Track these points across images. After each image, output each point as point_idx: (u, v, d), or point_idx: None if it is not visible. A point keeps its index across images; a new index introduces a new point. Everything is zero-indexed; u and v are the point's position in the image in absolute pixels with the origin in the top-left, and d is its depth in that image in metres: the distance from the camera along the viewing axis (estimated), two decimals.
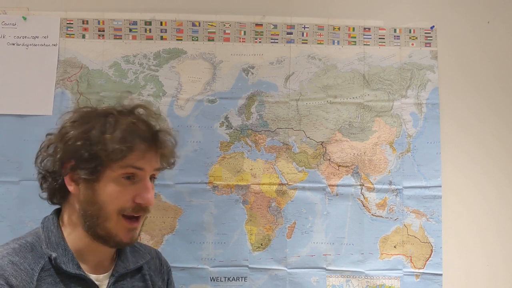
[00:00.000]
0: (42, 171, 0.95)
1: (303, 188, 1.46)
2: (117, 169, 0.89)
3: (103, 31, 1.47)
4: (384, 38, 1.52)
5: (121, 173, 0.90)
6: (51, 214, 0.96)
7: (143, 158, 0.91)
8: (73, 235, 0.92)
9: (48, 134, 0.97)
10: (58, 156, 0.91)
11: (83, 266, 0.91)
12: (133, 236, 0.93)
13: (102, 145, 0.88)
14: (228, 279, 1.42)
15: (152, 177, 0.96)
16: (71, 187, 0.91)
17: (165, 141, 0.96)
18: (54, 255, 0.88)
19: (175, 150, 1.00)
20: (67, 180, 0.91)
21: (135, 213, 0.91)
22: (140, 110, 0.97)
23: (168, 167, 1.01)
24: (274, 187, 1.45)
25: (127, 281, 0.98)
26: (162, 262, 1.12)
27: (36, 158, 0.96)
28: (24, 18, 1.46)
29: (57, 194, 0.95)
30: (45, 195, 0.97)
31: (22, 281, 0.84)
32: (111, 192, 0.89)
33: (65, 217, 0.94)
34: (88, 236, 0.91)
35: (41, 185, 0.96)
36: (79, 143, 0.89)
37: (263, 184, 1.45)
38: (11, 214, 1.39)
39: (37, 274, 0.86)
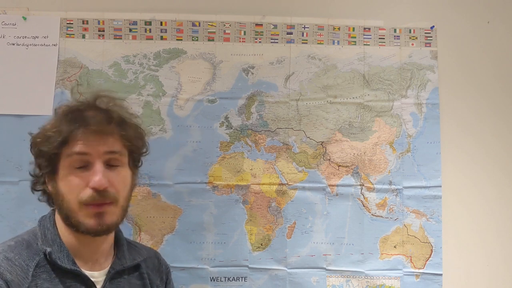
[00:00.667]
0: (31, 175, 0.99)
1: (303, 188, 1.46)
2: (64, 159, 0.90)
3: (103, 31, 1.47)
4: (384, 38, 1.52)
5: (70, 162, 0.90)
6: (48, 213, 0.99)
7: (85, 143, 0.89)
8: (65, 232, 0.94)
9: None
10: (34, 160, 0.96)
11: (79, 263, 0.92)
12: (103, 221, 0.90)
13: (41, 137, 0.92)
14: (228, 279, 1.42)
15: (113, 165, 0.93)
16: (48, 188, 0.95)
17: (110, 122, 0.92)
18: (48, 250, 0.89)
19: (134, 133, 0.97)
20: (46, 182, 0.95)
21: (94, 201, 0.89)
22: (99, 100, 0.96)
23: (134, 151, 0.98)
24: (274, 187, 1.45)
25: (124, 279, 0.99)
26: (161, 262, 1.12)
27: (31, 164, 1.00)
28: (24, 18, 1.46)
29: (47, 196, 0.98)
30: (43, 198, 1.00)
31: (17, 276, 0.85)
32: (66, 182, 0.90)
33: (56, 214, 0.96)
34: (69, 228, 0.93)
35: (32, 189, 1.00)
36: (32, 140, 0.94)
37: (263, 184, 1.45)
38: (11, 214, 1.38)
39: (32, 269, 0.87)
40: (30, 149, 0.96)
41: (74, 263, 0.91)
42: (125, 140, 0.95)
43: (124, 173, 0.95)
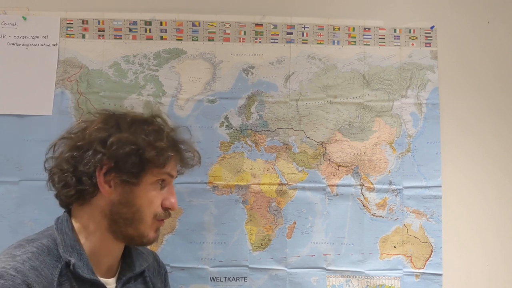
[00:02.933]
0: (72, 171, 0.93)
1: (303, 188, 1.46)
2: (156, 175, 0.95)
3: (103, 31, 1.47)
4: (384, 38, 1.52)
5: (158, 179, 0.96)
6: (63, 216, 0.95)
7: (175, 166, 1.01)
8: (91, 238, 0.92)
9: (68, 133, 0.98)
10: (97, 158, 0.91)
11: (95, 270, 0.91)
12: (158, 234, 1.00)
13: (152, 151, 0.93)
14: (228, 279, 1.42)
15: None
16: (104, 189, 0.91)
17: (196, 158, 1.07)
18: (73, 261, 0.87)
19: (197, 161, 1.09)
20: (100, 181, 0.91)
21: (164, 218, 0.99)
22: (159, 120, 1.03)
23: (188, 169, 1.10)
24: (274, 187, 1.45)
25: (132, 284, 1.00)
26: (160, 264, 1.15)
27: (59, 158, 0.95)
28: (24, 18, 1.46)
29: (83, 195, 0.93)
30: (65, 195, 0.94)
31: (43, 287, 0.82)
32: (148, 196, 0.94)
33: (82, 219, 0.93)
34: (110, 237, 0.93)
35: (64, 185, 0.93)
36: (127, 148, 0.92)
37: (263, 184, 1.45)
38: (11, 214, 1.38)
39: (56, 279, 0.85)
40: (102, 147, 0.92)
41: (93, 272, 0.90)
42: (187, 166, 1.08)
43: None
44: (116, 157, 0.91)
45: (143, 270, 1.04)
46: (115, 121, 0.96)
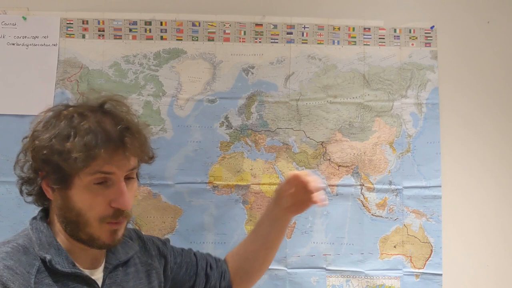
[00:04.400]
0: (20, 177, 0.94)
1: None
2: (85, 177, 0.85)
3: (103, 31, 1.47)
4: (384, 38, 1.52)
5: (90, 180, 0.86)
6: (38, 214, 0.94)
7: (111, 162, 0.86)
8: (62, 236, 0.92)
9: (24, 138, 0.95)
10: (31, 164, 0.90)
11: (77, 262, 0.91)
12: (116, 237, 0.91)
13: (64, 155, 0.84)
14: None
15: (129, 177, 0.92)
16: (48, 194, 0.90)
17: (133, 140, 0.89)
18: (48, 257, 0.87)
19: (148, 145, 0.95)
20: (43, 186, 0.90)
21: (115, 219, 0.89)
22: (108, 105, 0.93)
23: (145, 163, 0.97)
24: (274, 187, 1.45)
25: (119, 270, 0.98)
26: (144, 240, 1.09)
27: (15, 163, 0.95)
28: (24, 18, 1.46)
29: (39, 198, 0.94)
30: (29, 199, 0.95)
31: (20, 285, 0.82)
32: (85, 200, 0.87)
33: (53, 217, 0.93)
34: (72, 239, 0.91)
35: (20, 191, 0.95)
36: (44, 152, 0.86)
37: (263, 184, 1.45)
38: (11, 214, 1.39)
39: (34, 277, 0.85)
40: (31, 156, 0.89)
41: (74, 265, 0.89)
42: (138, 156, 0.93)
43: (135, 185, 0.95)
44: (40, 162, 0.87)
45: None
46: (51, 119, 0.90)
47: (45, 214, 0.94)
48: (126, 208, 0.88)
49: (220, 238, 1.43)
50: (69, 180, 0.86)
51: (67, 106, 0.93)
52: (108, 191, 0.88)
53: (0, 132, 1.41)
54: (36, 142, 0.88)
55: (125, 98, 0.99)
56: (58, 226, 0.92)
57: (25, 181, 0.94)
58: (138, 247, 1.06)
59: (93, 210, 0.87)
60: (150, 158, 0.98)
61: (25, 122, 1.42)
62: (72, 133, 0.85)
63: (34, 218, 0.94)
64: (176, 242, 1.40)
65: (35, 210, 1.35)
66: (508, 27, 1.56)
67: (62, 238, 0.92)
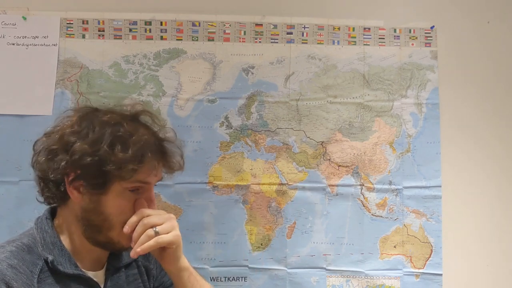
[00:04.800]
0: (42, 175, 0.92)
1: (303, 188, 1.46)
2: (126, 184, 0.89)
3: (103, 31, 1.47)
4: (384, 38, 1.52)
5: (127, 187, 0.90)
6: (44, 214, 0.95)
7: (151, 173, 0.92)
8: (70, 237, 0.92)
9: (46, 135, 0.94)
10: (62, 165, 0.88)
11: (80, 264, 0.91)
12: (131, 241, 0.92)
13: (113, 164, 0.86)
14: (228, 279, 1.42)
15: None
16: (73, 195, 0.90)
17: (172, 153, 0.96)
18: (50, 258, 0.87)
19: (182, 158, 0.99)
20: (69, 188, 0.90)
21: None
22: (145, 117, 0.96)
23: (172, 173, 1.01)
24: (274, 187, 1.45)
25: (122, 272, 0.99)
26: None
27: (35, 161, 0.93)
28: (24, 18, 1.46)
29: (56, 198, 0.93)
30: (41, 196, 0.95)
31: (23, 284, 0.83)
32: (118, 206, 0.89)
33: (61, 219, 0.93)
34: (86, 241, 0.91)
35: (40, 188, 0.94)
36: (88, 159, 0.86)
37: (263, 184, 1.45)
38: (11, 214, 1.38)
39: (37, 276, 0.85)
40: (58, 154, 0.88)
41: (76, 267, 0.90)
42: (172, 169, 0.98)
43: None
44: (78, 167, 0.87)
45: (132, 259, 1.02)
46: (88, 122, 0.90)
47: (51, 214, 0.94)
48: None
49: (220, 238, 1.43)
50: (107, 186, 0.88)
51: (97, 110, 0.94)
52: (137, 198, 0.92)
53: (0, 132, 1.41)
54: (76, 146, 0.87)
55: (152, 106, 1.03)
56: (68, 227, 0.92)
57: (48, 181, 0.91)
58: None
59: (123, 215, 0.89)
60: (179, 169, 1.02)
61: (25, 122, 1.43)
62: (121, 142, 0.87)
63: (40, 217, 0.95)
64: None
65: (34, 210, 1.36)
66: (508, 27, 1.56)
67: (66, 239, 0.92)
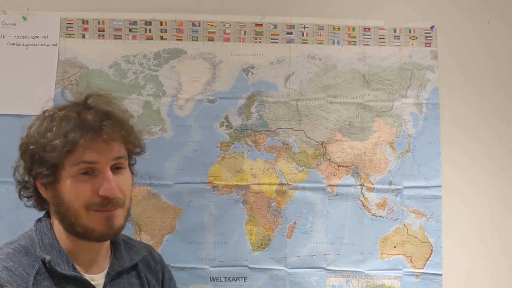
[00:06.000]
0: (18, 181, 0.96)
1: (303, 188, 1.46)
2: (69, 168, 0.87)
3: (103, 31, 1.47)
4: (384, 38, 1.52)
5: (75, 170, 0.87)
6: (43, 216, 0.96)
7: (92, 150, 0.87)
8: (61, 237, 0.92)
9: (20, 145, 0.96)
10: (24, 165, 0.93)
11: (78, 267, 0.91)
12: (113, 225, 0.90)
13: (46, 146, 0.87)
14: (228, 279, 1.42)
15: (118, 167, 0.92)
16: (42, 192, 0.92)
17: (113, 125, 0.90)
18: (48, 258, 0.87)
19: (132, 132, 0.96)
20: (38, 186, 0.92)
21: (104, 207, 0.88)
22: (91, 99, 0.95)
23: (135, 153, 0.98)
24: (274, 187, 1.45)
25: (123, 279, 0.98)
26: (156, 260, 1.10)
27: (14, 169, 0.97)
28: (24, 18, 1.46)
29: (37, 200, 0.95)
30: (29, 203, 0.97)
31: (17, 287, 0.82)
32: (71, 190, 0.88)
33: (53, 220, 0.94)
34: (72, 236, 0.91)
35: (20, 195, 0.97)
36: (31, 147, 0.89)
37: (263, 184, 1.45)
38: (11, 214, 1.38)
39: (33, 278, 0.85)
40: (21, 155, 0.93)
41: (74, 269, 0.89)
42: (128, 143, 0.94)
43: (128, 176, 0.95)
44: (29, 161, 0.90)
45: (136, 265, 1.02)
46: (38, 120, 0.93)
47: (49, 217, 0.95)
48: (113, 195, 0.88)
49: (220, 238, 1.43)
50: (56, 173, 0.88)
51: (51, 109, 0.95)
52: (95, 180, 0.88)
53: (0, 132, 1.41)
54: (23, 141, 0.92)
55: (109, 93, 1.00)
56: (58, 227, 0.92)
57: (22, 185, 0.96)
58: (145, 254, 1.06)
59: (79, 198, 0.88)
60: (138, 147, 0.98)
61: (25, 122, 1.42)
62: (52, 125, 0.89)
63: (39, 219, 0.95)
64: (176, 242, 1.41)
65: (34, 210, 1.36)
66: (508, 27, 1.56)
67: (64, 240, 0.92)
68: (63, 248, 0.90)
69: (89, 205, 0.88)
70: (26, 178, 0.94)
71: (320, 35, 1.51)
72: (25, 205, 0.98)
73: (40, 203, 0.96)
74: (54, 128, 0.88)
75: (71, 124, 0.88)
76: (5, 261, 0.84)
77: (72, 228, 0.90)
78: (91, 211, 0.88)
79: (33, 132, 0.91)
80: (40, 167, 0.89)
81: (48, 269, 0.87)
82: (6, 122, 1.42)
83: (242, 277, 1.42)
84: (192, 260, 1.41)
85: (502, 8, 1.57)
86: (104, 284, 0.94)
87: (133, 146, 0.97)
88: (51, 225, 0.93)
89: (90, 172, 0.88)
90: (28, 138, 0.91)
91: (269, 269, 1.43)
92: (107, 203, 0.88)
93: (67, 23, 1.46)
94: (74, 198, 0.88)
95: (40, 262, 0.87)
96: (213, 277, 1.41)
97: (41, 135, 0.89)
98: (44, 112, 0.95)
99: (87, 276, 0.91)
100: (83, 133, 0.87)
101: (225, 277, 1.42)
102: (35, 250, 0.89)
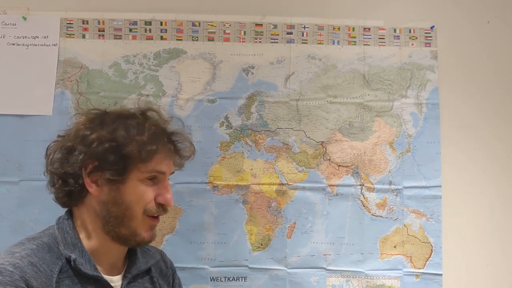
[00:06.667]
0: (59, 173, 0.93)
1: (303, 188, 1.46)
2: (142, 172, 0.92)
3: (103, 31, 1.47)
4: (384, 38, 1.52)
5: (146, 176, 0.93)
6: (65, 215, 0.95)
7: (166, 163, 0.96)
8: (89, 237, 0.93)
9: (59, 136, 0.97)
10: (80, 158, 0.91)
11: (98, 267, 0.91)
12: (154, 234, 0.96)
13: (132, 146, 0.90)
14: (228, 279, 1.42)
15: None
16: (91, 189, 0.91)
17: (182, 141, 1.01)
18: (73, 256, 0.88)
19: (191, 144, 1.04)
20: (87, 181, 0.91)
21: (157, 213, 0.95)
22: (152, 113, 1.00)
23: (185, 160, 1.06)
24: (274, 187, 1.45)
25: (138, 282, 0.99)
26: (167, 265, 1.13)
27: (50, 160, 0.95)
28: (24, 18, 1.46)
29: (73, 196, 0.94)
30: (57, 197, 0.96)
31: (41, 283, 0.83)
32: (138, 192, 0.92)
33: (80, 219, 0.94)
34: (107, 237, 0.92)
35: (54, 187, 0.95)
36: (106, 145, 0.90)
37: (263, 184, 1.45)
38: (11, 214, 1.38)
39: (56, 276, 0.86)
40: (90, 148, 0.91)
41: (96, 269, 0.90)
42: (183, 161, 1.05)
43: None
44: (97, 155, 0.90)
45: (149, 269, 1.04)
46: (100, 119, 0.95)
47: (71, 216, 0.95)
48: (170, 204, 0.96)
49: (220, 238, 1.43)
50: (126, 173, 0.91)
51: (106, 111, 0.99)
52: (155, 187, 0.95)
53: (0, 132, 1.41)
54: (93, 136, 0.91)
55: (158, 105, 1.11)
56: (86, 227, 0.93)
57: (66, 177, 0.93)
58: (159, 258, 1.09)
59: (142, 202, 0.92)
60: (190, 156, 1.07)
61: (25, 122, 1.43)
62: (136, 129, 0.93)
63: (61, 217, 0.95)
64: (176, 242, 1.41)
65: (35, 210, 1.36)
66: (508, 27, 1.56)
67: (88, 241, 0.93)
68: (85, 248, 0.91)
69: (147, 209, 0.93)
70: (75, 171, 0.92)
71: (320, 35, 1.51)
72: (53, 200, 0.96)
73: (75, 199, 0.94)
74: (145, 133, 0.92)
75: (158, 133, 0.95)
76: (30, 256, 0.85)
77: (118, 229, 0.91)
78: (145, 216, 0.93)
79: (104, 129, 0.92)
80: (111, 164, 0.90)
81: (71, 267, 0.88)
82: (6, 122, 1.42)
83: (242, 277, 1.42)
84: (192, 260, 1.41)
85: (502, 8, 1.57)
86: (121, 286, 0.95)
87: (182, 166, 1.06)
88: (74, 224, 0.93)
89: (152, 178, 0.95)
90: (100, 134, 0.91)
91: (269, 269, 1.43)
92: (161, 210, 0.96)
93: (67, 23, 1.46)
94: (137, 201, 0.92)
95: (63, 260, 0.88)
96: (213, 277, 1.41)
97: (125, 134, 0.92)
98: (99, 114, 0.97)
99: (107, 277, 0.92)
100: (165, 144, 0.96)
101: (225, 277, 1.42)
102: (57, 248, 0.89)
